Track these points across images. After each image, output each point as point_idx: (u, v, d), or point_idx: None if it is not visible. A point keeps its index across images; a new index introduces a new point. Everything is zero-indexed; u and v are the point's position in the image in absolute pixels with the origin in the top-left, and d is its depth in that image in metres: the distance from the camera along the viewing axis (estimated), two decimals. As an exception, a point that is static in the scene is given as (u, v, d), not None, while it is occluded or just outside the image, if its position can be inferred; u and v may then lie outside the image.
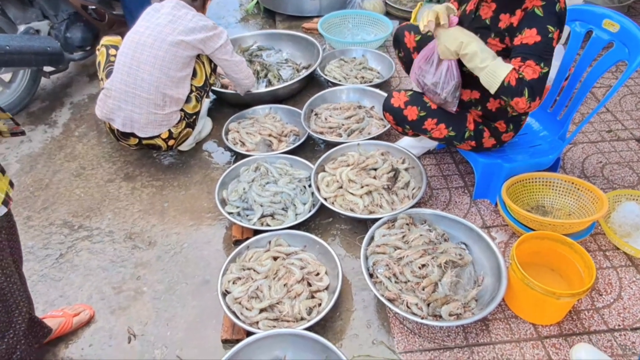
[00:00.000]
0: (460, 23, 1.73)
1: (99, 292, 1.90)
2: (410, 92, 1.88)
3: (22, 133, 1.32)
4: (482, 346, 1.58)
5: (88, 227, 2.18)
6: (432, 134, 1.87)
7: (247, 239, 1.96)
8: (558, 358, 1.54)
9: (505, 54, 1.68)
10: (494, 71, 1.58)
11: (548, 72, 1.58)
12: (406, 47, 2.08)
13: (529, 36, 1.58)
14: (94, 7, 2.80)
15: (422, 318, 1.53)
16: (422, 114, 1.83)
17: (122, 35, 2.44)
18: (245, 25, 3.98)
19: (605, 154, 2.32)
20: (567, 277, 1.67)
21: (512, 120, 1.90)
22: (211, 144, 2.61)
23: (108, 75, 2.35)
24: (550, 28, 1.58)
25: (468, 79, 1.81)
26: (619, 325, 1.62)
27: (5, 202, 1.09)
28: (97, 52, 2.50)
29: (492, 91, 1.61)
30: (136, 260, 2.02)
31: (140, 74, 2.12)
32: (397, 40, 2.11)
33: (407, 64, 2.13)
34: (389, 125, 2.37)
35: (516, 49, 1.61)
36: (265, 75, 2.91)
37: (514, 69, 1.57)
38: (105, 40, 2.48)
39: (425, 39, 2.03)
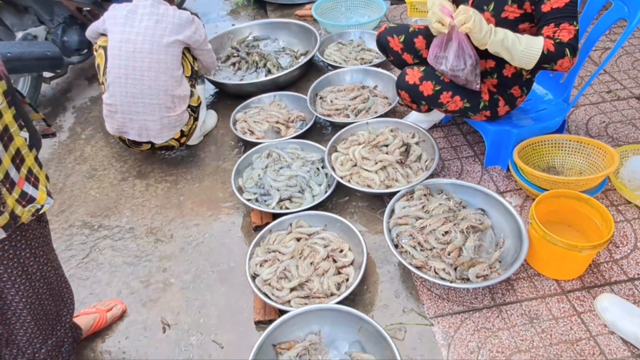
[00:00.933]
0: None
1: (128, 287, 1.93)
2: (423, 68, 1.90)
3: (53, 134, 1.34)
4: (509, 305, 1.64)
5: (108, 225, 2.20)
6: (448, 107, 1.90)
7: (267, 224, 1.99)
8: (583, 309, 1.60)
9: (523, 20, 1.71)
10: (529, 48, 1.61)
11: (579, 30, 1.63)
12: (393, 51, 2.10)
13: None
14: (88, 8, 2.80)
15: (451, 282, 1.57)
16: (437, 87, 1.85)
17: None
18: (237, 17, 3.98)
19: (608, 114, 2.37)
20: (585, 232, 1.73)
21: (525, 84, 1.94)
22: (218, 136, 2.63)
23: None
24: None
25: (481, 51, 1.84)
26: (639, 274, 1.68)
27: (50, 194, 1.11)
28: (95, 54, 2.50)
29: (530, 67, 1.65)
30: (160, 254, 2.05)
31: (145, 82, 2.12)
32: (383, 48, 2.13)
33: (399, 64, 2.15)
34: (395, 103, 2.40)
35: (547, 15, 1.63)
36: (264, 65, 2.93)
37: (547, 37, 1.61)
38: (102, 40, 2.48)
39: (410, 38, 2.05)
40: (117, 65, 2.15)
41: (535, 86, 2.25)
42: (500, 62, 1.87)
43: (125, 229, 2.17)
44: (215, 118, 2.69)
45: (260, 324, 1.74)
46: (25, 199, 1.04)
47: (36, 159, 1.12)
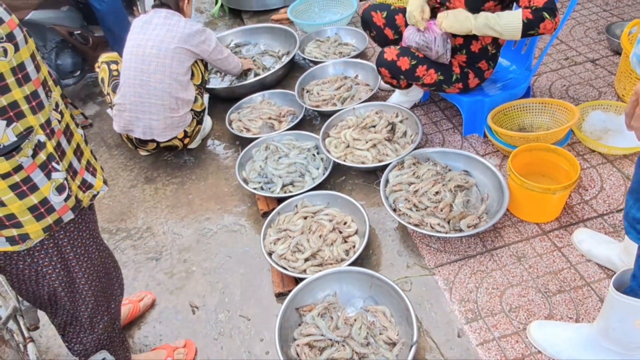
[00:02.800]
0: None
1: (154, 279, 2.10)
2: (399, 47, 2.12)
3: (91, 125, 1.52)
4: (498, 249, 1.86)
5: (125, 228, 2.36)
6: (424, 80, 2.11)
7: (273, 209, 2.18)
8: (562, 245, 1.82)
9: (497, 6, 1.95)
10: (510, 22, 1.80)
11: None
12: (377, 25, 2.30)
13: None
14: (78, 32, 2.95)
15: (446, 233, 1.79)
16: (413, 62, 2.06)
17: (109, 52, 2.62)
18: (215, 27, 4.16)
19: (567, 78, 2.62)
20: (557, 178, 1.96)
21: (491, 58, 2.16)
22: (215, 138, 2.81)
23: (114, 89, 2.52)
24: None
25: None
26: (607, 210, 1.92)
27: (105, 182, 1.29)
28: (97, 70, 2.66)
29: (519, 37, 1.84)
30: (179, 247, 2.22)
31: (152, 84, 2.31)
32: (366, 22, 2.33)
33: (381, 41, 2.36)
34: (376, 89, 2.61)
35: None
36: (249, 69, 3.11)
37: (524, 7, 1.80)
38: (105, 57, 2.65)
39: (391, 14, 2.27)
40: (128, 67, 2.35)
41: (501, 59, 2.49)
42: (468, 39, 2.10)
43: (143, 229, 2.33)
44: (210, 122, 2.87)
45: (281, 296, 1.93)
46: (85, 186, 1.22)
47: (91, 152, 1.30)
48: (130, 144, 2.52)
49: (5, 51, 0.97)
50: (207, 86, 2.93)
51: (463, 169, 2.07)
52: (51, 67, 2.93)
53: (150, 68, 2.31)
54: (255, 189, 2.27)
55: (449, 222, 1.83)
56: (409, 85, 2.29)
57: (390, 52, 2.09)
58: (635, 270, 1.25)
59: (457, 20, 1.87)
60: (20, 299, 1.47)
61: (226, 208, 2.37)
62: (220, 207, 2.38)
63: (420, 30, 2.01)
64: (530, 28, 1.81)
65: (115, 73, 2.57)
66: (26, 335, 1.43)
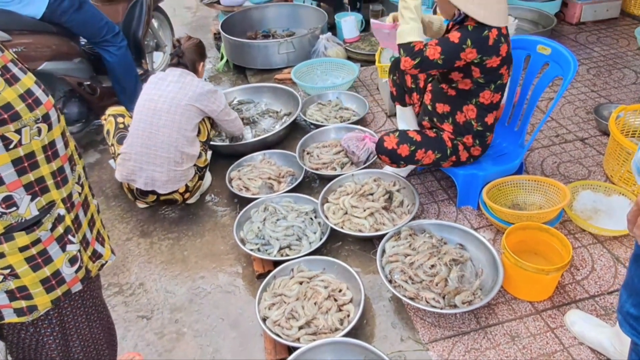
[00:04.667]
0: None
1: (143, 339, 2.06)
2: (397, 133, 2.22)
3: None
4: (492, 326, 1.87)
5: (117, 283, 2.34)
6: (424, 162, 2.21)
7: (269, 271, 2.18)
8: (555, 325, 1.84)
9: (465, 80, 2.10)
10: (409, 33, 2.00)
11: (440, 65, 1.97)
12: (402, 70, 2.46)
13: (452, 34, 1.98)
14: (88, 83, 3.04)
15: (441, 309, 1.80)
16: (412, 148, 2.17)
17: (115, 104, 2.69)
18: (219, 82, 4.29)
19: (558, 155, 2.73)
20: (549, 257, 2.00)
21: (477, 136, 2.26)
22: (214, 194, 2.84)
23: (119, 140, 2.57)
24: (469, 42, 1.95)
25: (439, 95, 2.22)
26: (598, 292, 1.95)
27: (113, 251, 1.31)
28: (103, 122, 2.72)
29: (398, 42, 2.02)
30: (171, 306, 2.19)
31: (159, 137, 2.37)
32: (395, 66, 2.51)
33: (399, 89, 2.51)
34: (375, 157, 2.69)
35: (441, 38, 2.01)
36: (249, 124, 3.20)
37: (422, 42, 1.99)
38: (112, 110, 2.72)
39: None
40: (139, 119, 2.42)
41: (494, 135, 2.59)
42: (454, 108, 2.22)
43: (136, 285, 2.31)
44: (210, 178, 2.92)
45: (272, 364, 1.90)
46: (95, 256, 1.23)
47: (101, 221, 1.32)
48: (130, 195, 2.55)
49: (39, 131, 1.01)
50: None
51: (458, 242, 2.11)
52: (57, 115, 2.98)
53: (160, 122, 2.38)
54: (252, 250, 2.28)
55: (444, 297, 1.85)
56: (407, 165, 2.39)
57: (390, 141, 2.19)
58: (629, 365, 1.27)
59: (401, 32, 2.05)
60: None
61: (221, 267, 2.37)
62: (215, 266, 2.38)
63: (358, 140, 2.60)
64: (405, 50, 1.99)
65: (121, 126, 2.63)
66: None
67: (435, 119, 2.30)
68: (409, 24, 2.02)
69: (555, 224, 2.18)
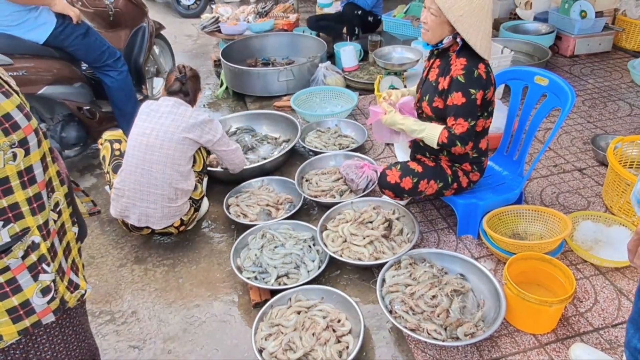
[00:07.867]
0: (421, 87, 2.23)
1: (134, 370, 1.99)
2: (398, 166, 2.22)
3: (99, 212, 1.50)
4: (495, 360, 1.82)
5: (109, 311, 2.27)
6: (427, 192, 2.21)
7: (266, 300, 2.13)
8: (559, 359, 1.79)
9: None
10: (430, 137, 2.06)
11: (475, 124, 2.04)
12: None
13: (457, 98, 2.01)
14: (87, 107, 3.03)
15: (443, 341, 1.75)
16: (415, 180, 2.17)
17: (114, 128, 2.67)
18: (218, 109, 4.31)
19: (557, 185, 2.73)
20: (552, 289, 1.97)
21: (474, 162, 2.26)
22: (210, 220, 2.81)
23: (115, 169, 2.55)
24: (472, 91, 2.00)
25: None
26: (602, 324, 1.91)
27: (85, 280, 1.26)
28: (100, 147, 2.70)
29: (436, 147, 2.08)
30: (164, 336, 2.13)
31: (153, 174, 2.34)
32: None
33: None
34: (374, 185, 2.68)
35: (449, 108, 2.05)
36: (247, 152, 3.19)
37: (445, 127, 2.03)
38: (108, 135, 2.70)
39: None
40: (132, 155, 2.38)
41: (493, 164, 2.59)
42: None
43: (128, 313, 2.25)
44: (207, 204, 2.88)
45: (268, 398, 1.83)
46: (72, 286, 1.19)
47: (79, 250, 1.28)
48: (125, 228, 2.51)
49: (15, 156, 0.99)
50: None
51: (459, 272, 2.08)
52: (55, 139, 2.97)
53: (153, 158, 2.34)
54: (249, 278, 2.23)
55: (445, 329, 1.80)
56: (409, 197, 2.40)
57: (393, 175, 2.19)
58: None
59: (394, 120, 2.14)
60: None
61: (217, 295, 2.31)
62: (210, 294, 2.32)
63: (357, 167, 2.61)
64: (444, 147, 2.07)
65: (117, 152, 2.61)
66: None
67: (427, 153, 2.32)
68: (408, 123, 2.11)
69: (556, 254, 2.16)
